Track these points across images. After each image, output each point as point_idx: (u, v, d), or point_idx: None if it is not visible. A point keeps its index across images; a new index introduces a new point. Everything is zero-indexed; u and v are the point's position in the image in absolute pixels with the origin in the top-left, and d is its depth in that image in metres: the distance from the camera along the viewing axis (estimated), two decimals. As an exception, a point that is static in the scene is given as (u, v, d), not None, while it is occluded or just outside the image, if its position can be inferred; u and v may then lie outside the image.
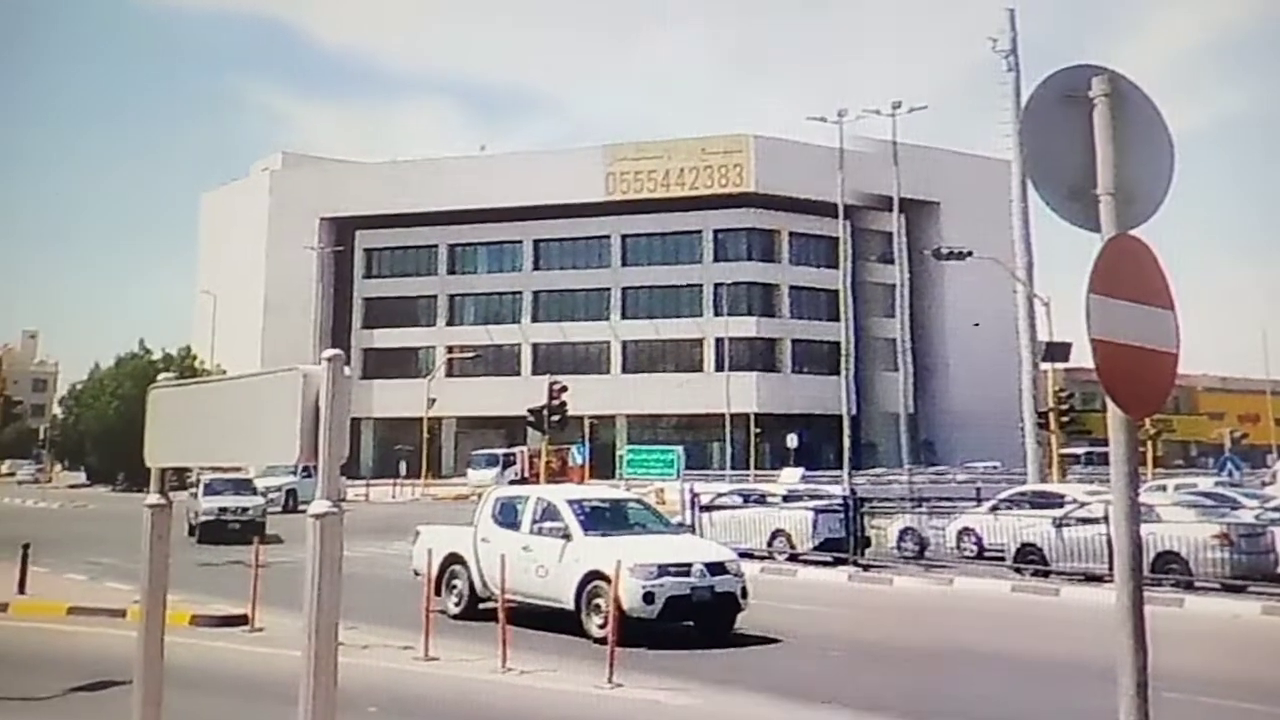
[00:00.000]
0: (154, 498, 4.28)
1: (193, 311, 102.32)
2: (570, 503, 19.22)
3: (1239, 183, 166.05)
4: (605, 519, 19.29)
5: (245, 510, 37.70)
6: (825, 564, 28.61)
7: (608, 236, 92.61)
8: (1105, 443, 5.07)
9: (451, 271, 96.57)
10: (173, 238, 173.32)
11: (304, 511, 3.51)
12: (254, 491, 40.35)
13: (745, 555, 23.62)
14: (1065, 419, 42.33)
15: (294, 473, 49.90)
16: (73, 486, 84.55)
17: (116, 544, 25.17)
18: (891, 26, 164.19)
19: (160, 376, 4.54)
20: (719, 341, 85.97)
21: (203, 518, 37.19)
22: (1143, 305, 4.94)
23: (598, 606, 17.13)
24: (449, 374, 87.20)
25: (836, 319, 68.73)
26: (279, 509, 45.82)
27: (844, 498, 32.16)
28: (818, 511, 30.43)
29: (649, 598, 17.07)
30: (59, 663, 14.96)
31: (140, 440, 4.29)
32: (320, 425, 3.44)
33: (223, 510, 37.57)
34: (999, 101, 44.17)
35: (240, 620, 18.21)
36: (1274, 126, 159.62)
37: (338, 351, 3.56)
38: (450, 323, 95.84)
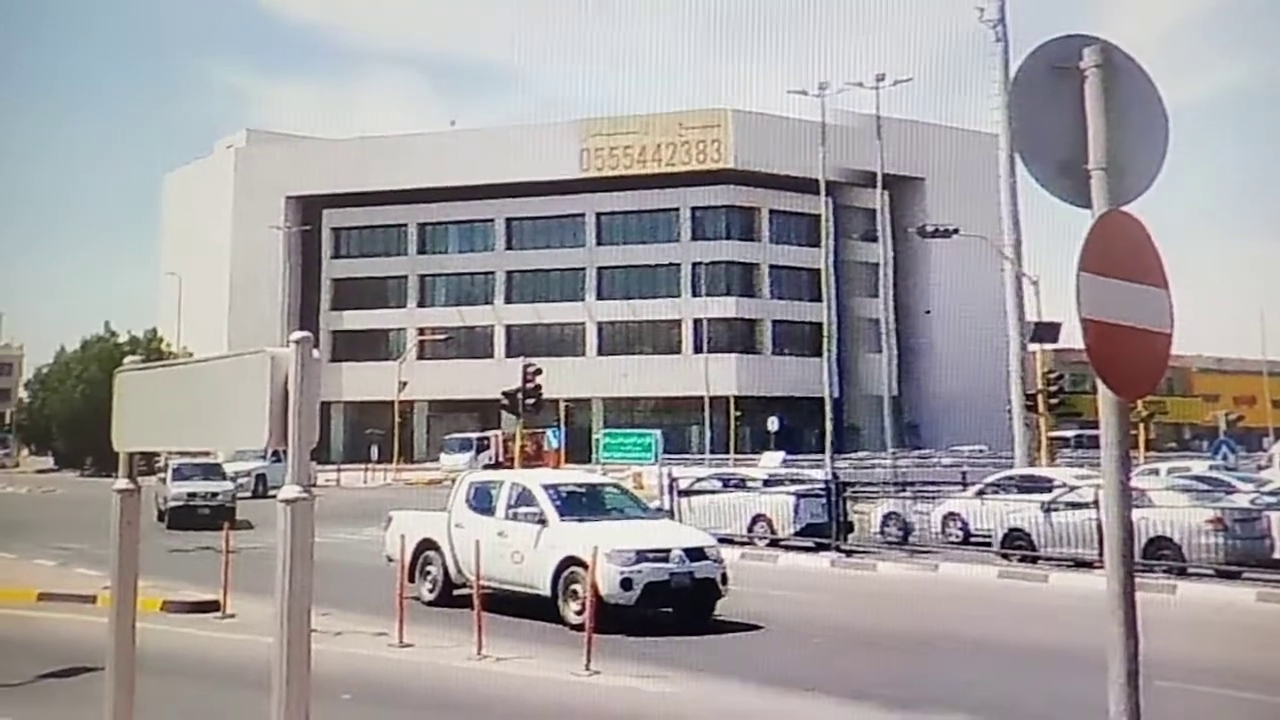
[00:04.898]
0: (122, 482, 4.29)
1: (158, 293, 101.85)
2: (546, 488, 19.25)
3: (1235, 157, 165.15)
4: (581, 504, 19.36)
5: (214, 495, 37.76)
6: (807, 550, 28.66)
7: (582, 215, 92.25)
8: (1096, 425, 5.07)
9: (422, 251, 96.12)
10: (136, 218, 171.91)
11: (274, 497, 3.51)
12: (223, 476, 40.30)
13: (725, 541, 23.65)
14: (1054, 401, 42.41)
15: (263, 457, 49.77)
16: (40, 471, 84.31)
17: (85, 529, 25.07)
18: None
19: (126, 359, 4.53)
20: (697, 322, 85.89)
21: (172, 503, 37.24)
22: (1135, 284, 4.94)
23: (575, 593, 17.17)
24: (420, 356, 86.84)
25: (818, 299, 68.69)
26: (248, 494, 45.70)
27: (826, 482, 32.18)
28: (799, 496, 30.47)
29: (627, 584, 17.10)
30: (30, 649, 14.94)
31: (107, 424, 4.29)
32: (289, 409, 3.44)
33: (192, 495, 37.64)
34: (986, 74, 44.13)
35: (212, 606, 18.25)
36: (1275, 98, 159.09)
37: (306, 334, 3.55)
38: (421, 304, 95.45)
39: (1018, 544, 26.04)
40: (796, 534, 29.50)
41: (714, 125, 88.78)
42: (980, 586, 23.77)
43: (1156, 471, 36.36)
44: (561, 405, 64.45)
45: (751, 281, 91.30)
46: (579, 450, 62.74)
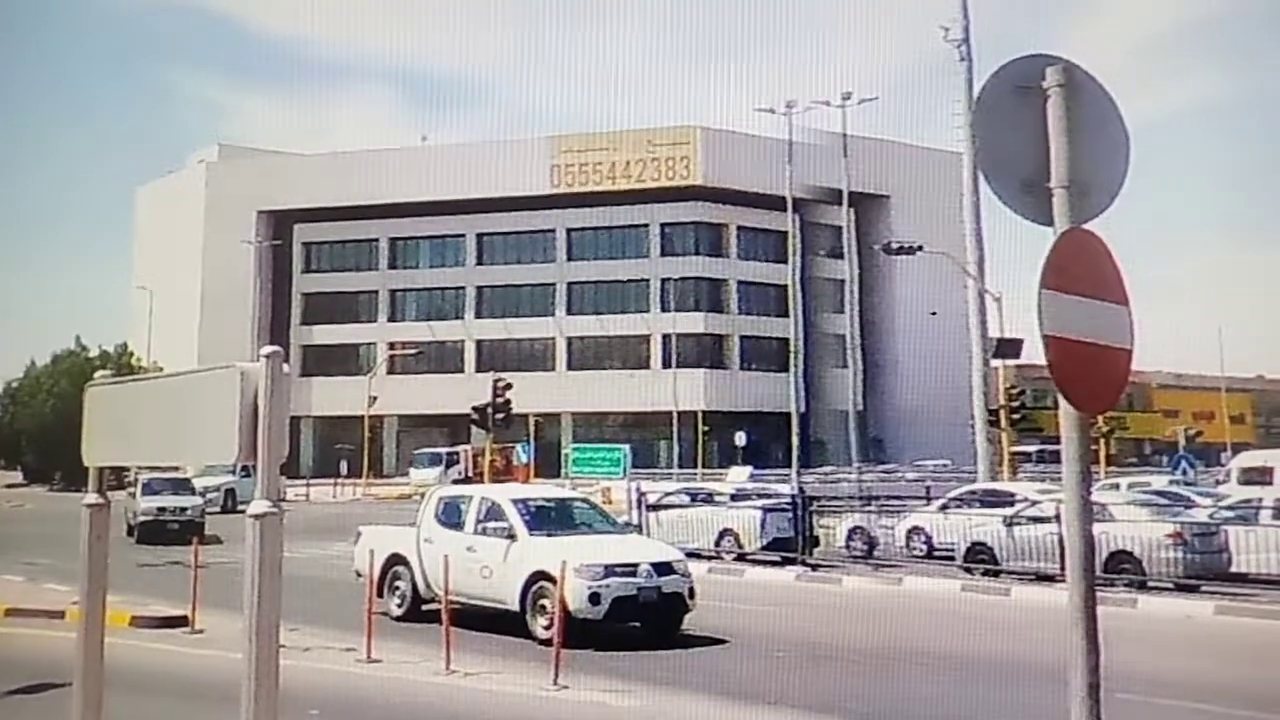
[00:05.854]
0: (92, 497, 4.26)
1: (129, 307, 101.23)
2: (515, 502, 19.22)
3: (1195, 174, 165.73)
4: (550, 519, 19.32)
5: (184, 510, 37.55)
6: (773, 564, 28.65)
7: (553, 230, 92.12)
8: (1057, 440, 5.09)
9: (393, 266, 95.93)
10: (109, 231, 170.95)
11: (243, 512, 3.49)
12: (192, 491, 40.12)
13: (692, 555, 23.61)
14: (1016, 416, 42.52)
15: (233, 472, 49.44)
16: (9, 486, 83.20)
17: (54, 544, 24.93)
18: (842, 15, 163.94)
19: (97, 374, 4.50)
20: (666, 338, 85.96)
21: (141, 518, 37.03)
22: (1096, 300, 4.96)
23: (543, 607, 17.12)
24: (390, 371, 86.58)
25: (785, 315, 68.79)
26: (218, 509, 45.37)
27: (792, 496, 32.21)
28: (766, 510, 30.48)
29: (595, 598, 17.07)
30: (-3, 665, 14.80)
31: (78, 439, 4.26)
32: (259, 424, 3.42)
33: (161, 510, 37.41)
34: (951, 93, 44.28)
35: (181, 621, 18.14)
36: (1233, 118, 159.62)
37: (276, 348, 3.53)
38: (392, 319, 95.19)
39: (980, 558, 26.10)
40: (763, 548, 29.48)
41: (683, 142, 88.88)
42: (943, 600, 23.80)
43: (1117, 486, 36.55)
44: (531, 420, 64.35)
45: (719, 297, 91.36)
46: (548, 465, 62.68)
